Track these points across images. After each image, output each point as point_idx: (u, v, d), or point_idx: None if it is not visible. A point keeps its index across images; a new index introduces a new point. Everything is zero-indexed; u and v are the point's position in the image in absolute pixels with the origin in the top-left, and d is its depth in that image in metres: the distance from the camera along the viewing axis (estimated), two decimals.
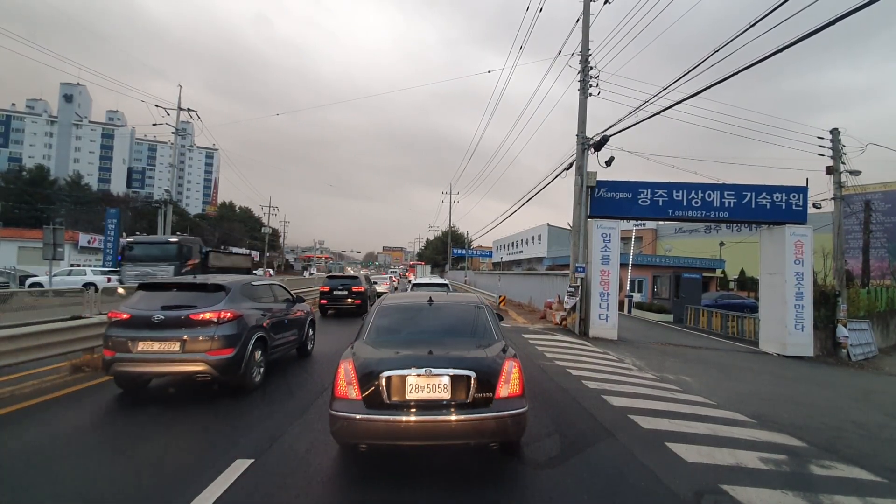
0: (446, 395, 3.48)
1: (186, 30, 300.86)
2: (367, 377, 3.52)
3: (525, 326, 15.44)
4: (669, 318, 21.08)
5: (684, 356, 11.48)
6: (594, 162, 14.30)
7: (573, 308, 14.16)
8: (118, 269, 19.10)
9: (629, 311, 23.38)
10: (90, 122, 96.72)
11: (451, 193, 55.22)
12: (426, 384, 3.49)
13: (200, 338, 5.47)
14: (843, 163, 16.13)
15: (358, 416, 3.42)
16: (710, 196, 13.68)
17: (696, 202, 13.69)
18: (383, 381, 3.46)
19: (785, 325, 12.96)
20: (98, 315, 8.29)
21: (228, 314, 5.72)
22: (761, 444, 4.83)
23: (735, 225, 21.08)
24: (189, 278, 6.53)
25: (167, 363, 5.39)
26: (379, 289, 23.74)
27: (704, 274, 27.04)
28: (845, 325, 14.29)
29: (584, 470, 3.89)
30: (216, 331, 5.54)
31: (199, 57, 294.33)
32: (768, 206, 13.52)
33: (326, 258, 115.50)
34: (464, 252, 58.04)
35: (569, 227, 15.48)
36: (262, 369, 6.34)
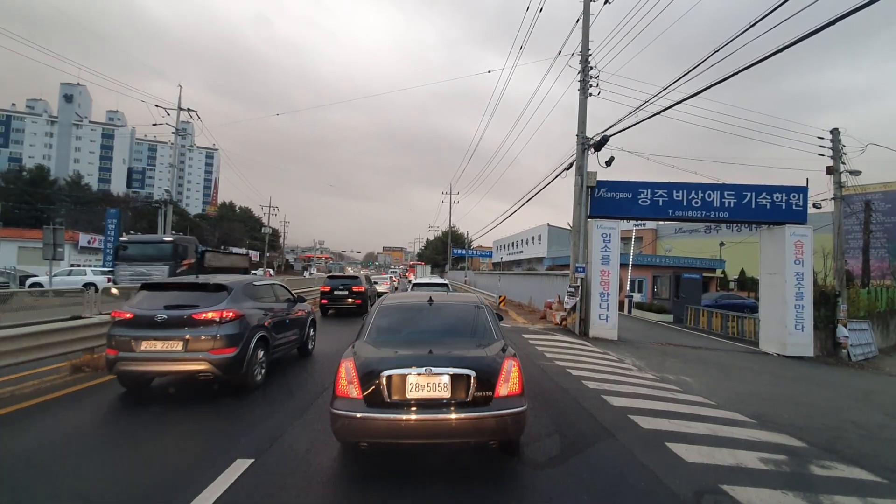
0: (446, 394, 3.51)
1: (186, 30, 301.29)
2: (367, 376, 3.55)
3: (525, 326, 15.44)
4: (669, 318, 21.08)
5: (684, 356, 11.48)
6: (594, 162, 14.33)
7: (573, 308, 14.16)
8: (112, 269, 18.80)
9: (629, 312, 23.37)
10: (90, 122, 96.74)
11: (451, 193, 55.25)
12: (426, 383, 3.52)
13: (203, 337, 5.51)
14: (843, 163, 16.14)
15: (359, 415, 3.45)
16: (710, 196, 13.68)
17: (696, 202, 13.69)
18: (384, 380, 3.50)
19: (785, 326, 12.96)
20: (98, 315, 8.28)
21: (231, 314, 5.76)
22: (761, 445, 4.83)
23: (735, 225, 21.08)
24: (191, 278, 6.55)
25: (170, 362, 5.44)
26: (379, 289, 23.78)
27: (704, 274, 27.04)
28: (845, 326, 14.29)
29: (584, 470, 3.89)
30: (218, 330, 5.58)
31: (199, 57, 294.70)
32: (768, 206, 13.52)
33: (326, 258, 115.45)
34: (464, 252, 58.04)
35: (569, 227, 15.48)
36: (263, 368, 6.37)
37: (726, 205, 13.66)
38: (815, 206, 16.02)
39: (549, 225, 51.94)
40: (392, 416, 3.45)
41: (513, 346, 4.21)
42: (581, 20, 14.58)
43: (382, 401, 3.48)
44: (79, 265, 29.45)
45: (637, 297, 26.54)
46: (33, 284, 23.07)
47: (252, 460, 3.82)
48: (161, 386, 6.30)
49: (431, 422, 3.46)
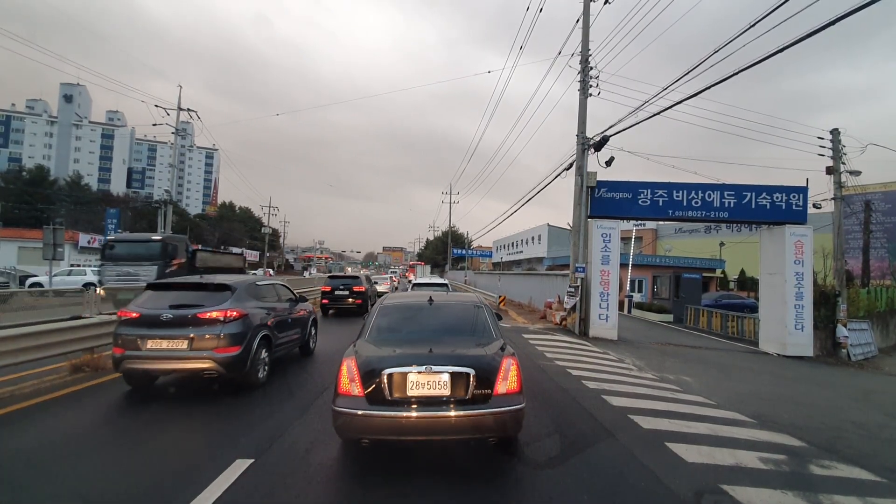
0: (446, 392, 3.57)
1: (186, 30, 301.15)
2: (369, 374, 3.61)
3: (525, 326, 15.44)
4: (669, 318, 21.08)
5: (684, 356, 11.48)
6: (594, 162, 14.33)
7: (573, 308, 14.16)
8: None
9: (629, 311, 23.38)
10: (90, 122, 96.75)
11: (451, 193, 55.26)
12: (427, 381, 3.58)
13: (207, 336, 5.61)
14: (843, 163, 16.13)
15: (360, 412, 3.52)
16: (710, 196, 13.68)
17: (696, 202, 13.69)
18: (385, 378, 3.56)
19: (785, 325, 12.96)
20: (98, 315, 8.29)
21: (234, 313, 5.86)
22: (761, 444, 4.83)
23: (735, 225, 21.06)
24: (195, 278, 6.63)
25: (175, 360, 5.54)
26: (380, 288, 23.83)
27: (704, 274, 27.05)
28: (845, 325, 14.29)
29: (584, 470, 3.89)
30: (222, 329, 5.68)
31: (199, 57, 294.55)
32: (768, 206, 13.52)
33: (326, 258, 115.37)
34: (464, 252, 58.06)
35: (569, 227, 15.49)
36: (266, 367, 6.46)
37: (726, 205, 13.66)
38: (815, 206, 16.02)
39: (549, 225, 51.96)
40: (393, 414, 3.51)
41: (512, 346, 4.24)
42: (581, 20, 14.58)
43: (384, 398, 3.55)
44: (79, 265, 29.44)
45: (637, 297, 26.54)
46: (33, 284, 23.08)
47: (252, 460, 3.82)
48: (161, 386, 6.31)
49: (431, 419, 3.52)
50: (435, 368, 3.59)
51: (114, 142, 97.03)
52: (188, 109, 27.36)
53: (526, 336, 12.61)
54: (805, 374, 10.58)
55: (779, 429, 5.50)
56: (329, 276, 18.91)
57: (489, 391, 3.63)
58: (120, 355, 5.55)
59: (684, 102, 12.00)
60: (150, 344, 5.53)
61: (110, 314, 8.15)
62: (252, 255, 62.53)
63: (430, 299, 4.87)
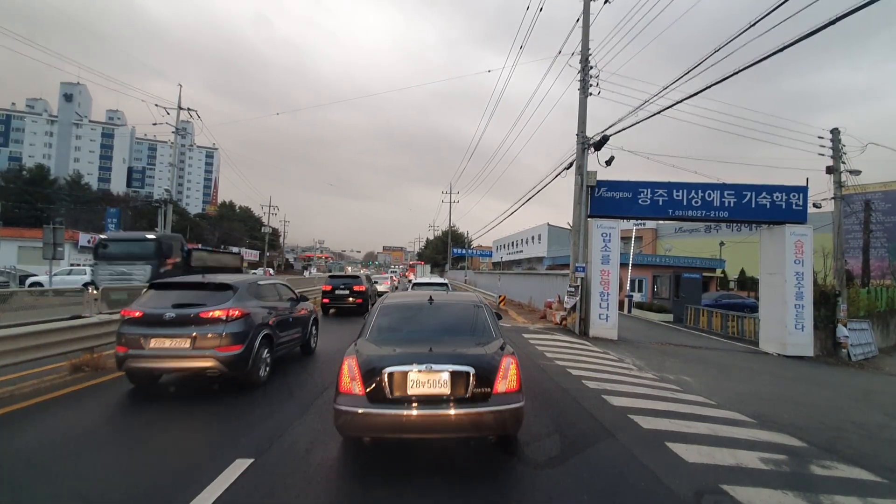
0: (446, 391, 3.61)
1: (186, 30, 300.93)
2: (370, 373, 3.65)
3: (525, 326, 15.44)
4: (669, 317, 21.08)
5: (684, 356, 11.48)
6: (594, 161, 14.32)
7: (573, 308, 14.16)
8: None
9: (629, 311, 23.37)
10: (90, 121, 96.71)
11: (450, 193, 55.22)
12: (427, 380, 3.62)
13: (210, 335, 5.66)
14: (843, 162, 16.13)
15: (361, 410, 3.56)
16: (710, 196, 13.68)
17: (696, 202, 13.69)
18: (386, 377, 3.60)
19: (785, 325, 12.96)
20: (98, 315, 8.28)
21: (237, 312, 5.91)
22: (761, 444, 4.83)
23: (735, 224, 21.09)
24: (197, 278, 6.65)
25: (178, 359, 5.60)
26: (380, 288, 23.87)
27: (704, 274, 27.03)
28: (845, 325, 14.29)
29: (584, 470, 3.89)
30: (225, 328, 5.73)
31: (199, 57, 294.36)
32: (768, 206, 13.51)
33: (326, 258, 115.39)
34: (464, 252, 58.06)
35: (569, 227, 15.48)
36: (268, 366, 6.51)
37: (726, 204, 13.65)
38: (815, 205, 16.03)
39: (549, 224, 51.94)
40: (394, 412, 3.55)
41: (511, 345, 4.26)
42: (581, 20, 14.57)
43: (384, 397, 3.58)
44: (79, 264, 29.41)
45: (637, 297, 26.54)
46: (33, 284, 23.08)
47: (252, 460, 3.82)
48: (161, 385, 6.31)
49: (432, 417, 3.56)
50: (435, 367, 3.62)
51: (114, 141, 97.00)
52: (188, 109, 27.37)
53: (526, 336, 12.61)
54: (805, 374, 10.57)
55: (779, 429, 5.50)
56: (329, 276, 18.91)
57: (489, 390, 3.66)
58: (123, 354, 5.60)
59: (684, 102, 12.02)
60: (154, 343, 5.58)
61: (109, 314, 8.15)
62: (252, 255, 62.56)
63: (431, 299, 4.89)
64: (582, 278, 13.95)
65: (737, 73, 10.28)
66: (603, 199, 14.00)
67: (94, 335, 7.07)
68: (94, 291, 10.89)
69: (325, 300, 16.30)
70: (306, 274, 55.36)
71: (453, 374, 3.62)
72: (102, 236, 17.75)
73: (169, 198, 28.05)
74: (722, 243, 35.41)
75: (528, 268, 51.12)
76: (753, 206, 13.56)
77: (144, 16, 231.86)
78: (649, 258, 31.78)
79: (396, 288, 30.21)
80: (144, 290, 6.46)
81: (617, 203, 13.99)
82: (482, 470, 3.87)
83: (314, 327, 8.95)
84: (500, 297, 22.69)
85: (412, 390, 3.60)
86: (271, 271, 54.04)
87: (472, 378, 3.62)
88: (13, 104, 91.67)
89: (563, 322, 15.04)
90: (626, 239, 26.81)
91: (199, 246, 30.32)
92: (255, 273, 35.86)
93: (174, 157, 29.90)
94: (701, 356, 11.75)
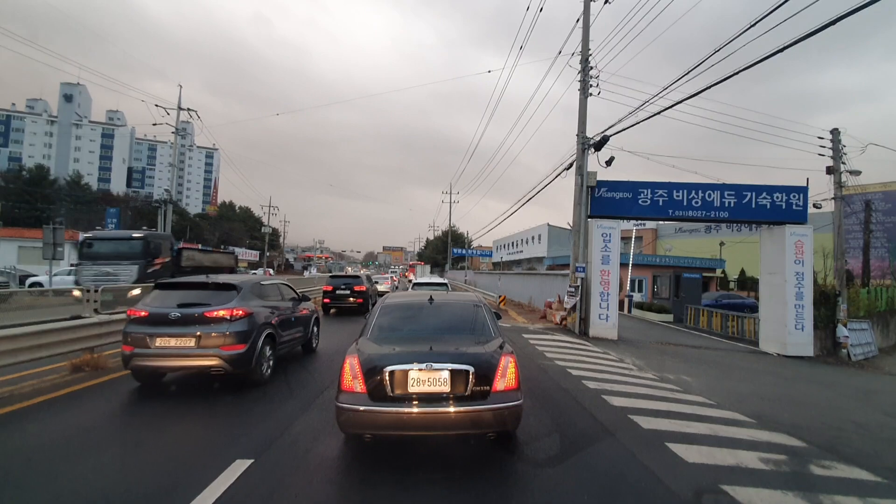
0: (446, 389, 3.67)
1: (186, 30, 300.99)
2: (371, 371, 3.71)
3: (525, 326, 15.44)
4: (669, 317, 21.08)
5: (684, 356, 11.48)
6: (594, 162, 14.31)
7: (573, 308, 14.16)
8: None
9: (629, 311, 23.38)
10: (90, 121, 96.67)
11: (451, 193, 55.18)
12: (427, 378, 3.68)
13: (214, 334, 5.75)
14: (844, 163, 16.13)
15: (362, 408, 3.62)
16: (710, 196, 13.68)
17: (697, 202, 13.69)
18: (387, 375, 3.66)
19: (785, 325, 12.95)
20: (98, 315, 8.28)
21: (240, 312, 6.01)
22: (761, 444, 4.83)
23: (735, 225, 21.12)
24: (202, 278, 6.70)
25: (183, 358, 5.70)
26: (380, 288, 23.96)
27: (704, 274, 27.04)
28: (845, 325, 14.30)
29: (584, 470, 3.89)
30: (229, 327, 5.84)
31: (199, 57, 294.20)
32: (768, 206, 13.51)
33: (326, 258, 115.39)
34: (464, 252, 58.03)
35: (569, 227, 15.48)
36: (271, 364, 6.59)
37: (726, 204, 13.65)
38: (815, 205, 16.02)
39: (549, 225, 51.95)
40: (394, 409, 3.62)
41: (511, 344, 4.31)
42: (581, 20, 14.57)
43: (385, 395, 3.65)
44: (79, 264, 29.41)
45: (637, 297, 26.53)
46: (33, 284, 23.08)
47: (252, 460, 3.82)
48: (161, 385, 6.32)
49: (432, 414, 3.62)
50: (435, 366, 3.68)
51: (114, 141, 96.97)
52: (188, 109, 27.37)
53: (526, 336, 12.61)
54: (805, 374, 10.57)
55: (779, 429, 5.49)
56: (330, 276, 18.92)
57: (488, 388, 3.72)
58: (129, 353, 5.71)
59: (684, 102, 12.01)
60: (159, 342, 5.69)
61: (110, 314, 8.15)
62: (252, 255, 62.57)
63: (431, 298, 4.94)
64: (582, 278, 13.95)
65: (737, 73, 10.28)
66: (603, 200, 14.00)
67: (94, 335, 7.08)
68: (77, 293, 10.27)
69: (326, 300, 16.33)
70: (306, 274, 55.37)
71: (453, 373, 3.68)
72: (87, 235, 17.00)
73: (169, 198, 28.08)
74: (722, 243, 35.43)
75: (528, 268, 51.09)
76: (754, 206, 13.55)
77: (144, 16, 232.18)
78: (649, 258, 31.78)
79: (397, 288, 30.25)
80: (144, 290, 6.49)
81: (617, 203, 13.99)
82: (482, 470, 3.87)
83: (316, 327, 9.05)
84: (500, 297, 22.70)
85: (413, 388, 3.65)
86: (271, 271, 54.09)
87: (471, 376, 3.68)
88: (13, 104, 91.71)
89: (563, 322, 15.04)
90: (626, 239, 26.81)
91: (200, 246, 30.31)
92: (255, 273, 35.89)
93: (174, 158, 29.91)
94: (701, 356, 11.74)
